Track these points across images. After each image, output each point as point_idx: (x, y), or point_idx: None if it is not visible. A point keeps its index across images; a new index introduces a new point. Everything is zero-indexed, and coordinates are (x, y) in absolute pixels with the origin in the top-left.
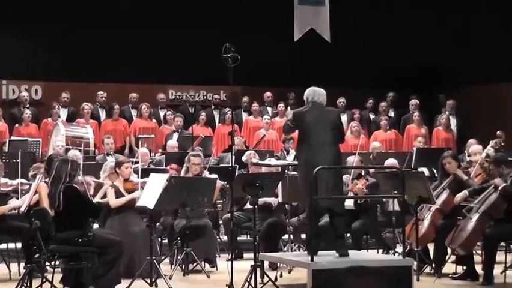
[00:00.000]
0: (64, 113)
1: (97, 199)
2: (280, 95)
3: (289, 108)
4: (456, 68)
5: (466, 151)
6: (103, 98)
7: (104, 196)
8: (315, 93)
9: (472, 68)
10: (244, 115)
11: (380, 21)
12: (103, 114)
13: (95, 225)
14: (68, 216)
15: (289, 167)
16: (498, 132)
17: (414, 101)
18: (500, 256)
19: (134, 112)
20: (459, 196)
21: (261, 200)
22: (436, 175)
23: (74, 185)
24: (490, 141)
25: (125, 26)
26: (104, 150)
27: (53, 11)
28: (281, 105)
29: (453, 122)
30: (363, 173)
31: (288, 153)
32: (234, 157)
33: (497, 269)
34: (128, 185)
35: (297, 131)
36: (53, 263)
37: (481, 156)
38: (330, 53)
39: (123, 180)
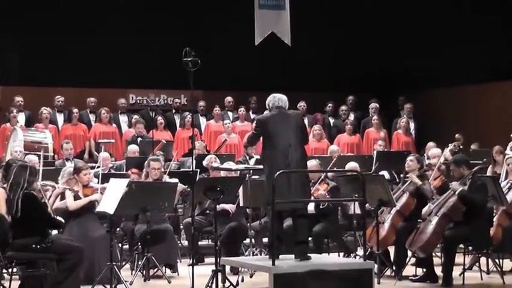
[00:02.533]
0: (21, 117)
1: (53, 202)
2: (242, 99)
3: (250, 112)
4: (415, 71)
5: (425, 154)
6: (60, 103)
7: (63, 199)
8: (276, 98)
9: (431, 71)
10: (202, 119)
11: (340, 24)
12: (60, 118)
13: (54, 231)
14: (26, 223)
15: (250, 171)
16: (457, 135)
17: (373, 105)
18: (459, 258)
19: (92, 117)
20: (424, 210)
21: (218, 207)
22: (396, 178)
23: (32, 191)
24: (449, 144)
25: (83, 28)
26: (63, 155)
27: (6, 11)
28: (242, 110)
29: (412, 125)
30: (322, 177)
31: (250, 158)
32: (194, 161)
33: (456, 271)
34: (87, 191)
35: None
36: (10, 270)
37: (439, 159)
38: (290, 57)
39: (82, 187)
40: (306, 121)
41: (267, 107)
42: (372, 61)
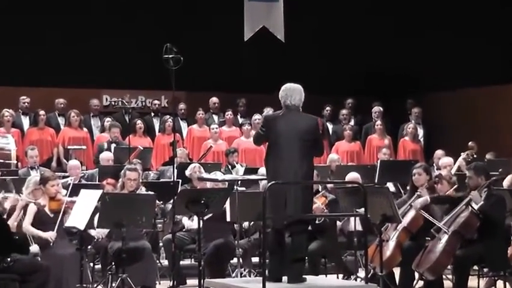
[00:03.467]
0: None
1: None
2: (229, 101)
3: (238, 116)
4: (423, 71)
5: (434, 164)
6: (26, 104)
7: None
8: (289, 93)
9: (440, 71)
10: (184, 124)
11: (339, 19)
12: (26, 122)
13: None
14: None
15: (238, 182)
16: (470, 143)
17: (377, 108)
18: (472, 281)
19: (61, 120)
20: (419, 202)
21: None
22: (402, 191)
23: None
24: (462, 153)
25: (52, 22)
26: (28, 163)
27: None
28: (229, 113)
29: (420, 131)
30: (320, 189)
31: (232, 168)
32: (176, 171)
33: None
34: (54, 204)
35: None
36: None
37: (451, 169)
38: (283, 55)
39: (49, 199)
40: None
41: (281, 99)
42: (375, 60)
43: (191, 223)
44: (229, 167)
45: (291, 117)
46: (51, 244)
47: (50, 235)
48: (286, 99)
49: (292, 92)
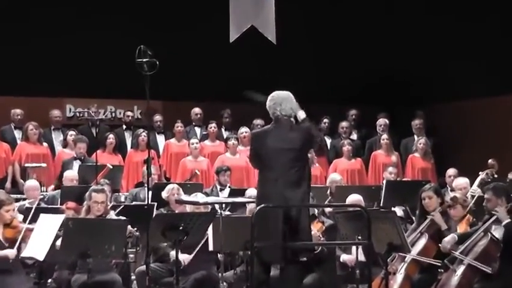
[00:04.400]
0: None
1: None
2: (212, 112)
3: (223, 128)
4: (435, 79)
5: (447, 185)
6: None
7: None
8: (278, 102)
9: (454, 78)
10: (160, 138)
11: (339, 18)
12: None
13: None
14: None
15: (223, 205)
16: (490, 160)
17: (382, 121)
18: None
19: (18, 133)
20: (447, 241)
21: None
22: (411, 216)
23: None
24: (480, 173)
25: (8, 23)
26: None
27: None
28: (213, 126)
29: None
30: (316, 213)
31: (223, 189)
32: (150, 192)
33: None
34: (9, 232)
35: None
36: None
37: (467, 192)
38: (274, 59)
39: (3, 226)
40: None
41: (269, 110)
42: (381, 65)
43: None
44: (217, 188)
45: (282, 132)
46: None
47: (8, 254)
48: (275, 109)
49: (281, 101)
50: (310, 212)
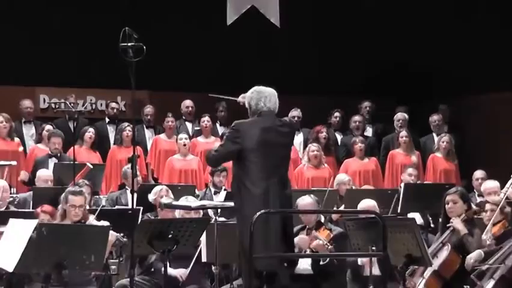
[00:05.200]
0: None
1: None
2: (206, 104)
3: (218, 124)
4: (460, 68)
5: (474, 189)
6: None
7: None
8: (261, 95)
9: (483, 67)
10: (148, 133)
11: (350, 4)
12: None
13: None
14: None
15: (218, 210)
16: None
17: (401, 115)
18: None
19: None
20: (472, 257)
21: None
22: (432, 224)
23: None
24: None
25: None
26: None
27: None
28: (206, 120)
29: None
30: (322, 220)
31: (218, 192)
32: (136, 195)
33: None
34: None
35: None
36: None
37: (499, 196)
38: (277, 45)
39: None
40: (300, 137)
41: (248, 108)
42: (398, 52)
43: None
44: (211, 190)
45: (272, 124)
46: None
47: None
48: (259, 102)
49: (264, 94)
50: (314, 219)
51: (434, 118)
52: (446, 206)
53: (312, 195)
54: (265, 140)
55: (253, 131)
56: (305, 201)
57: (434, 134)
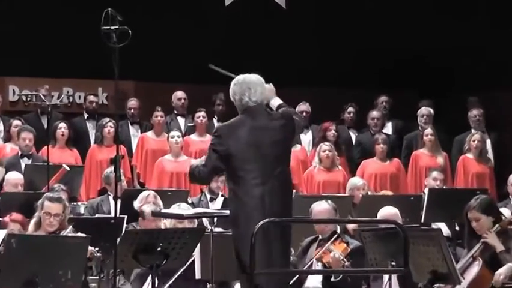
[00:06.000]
0: None
1: None
2: (201, 96)
3: (215, 119)
4: (492, 58)
5: (510, 195)
6: None
7: None
8: (244, 87)
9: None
10: (134, 130)
11: None
12: None
13: None
14: None
15: (214, 219)
16: None
17: (425, 110)
18: None
19: None
20: (502, 273)
21: None
22: (460, 235)
23: None
24: None
25: None
26: None
27: None
28: (201, 115)
29: (488, 145)
30: (338, 230)
31: (214, 198)
32: (119, 202)
33: None
34: None
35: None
36: None
37: None
38: (283, 30)
39: None
40: (309, 135)
41: (234, 103)
42: (419, 39)
43: None
44: (207, 196)
45: (259, 122)
46: None
47: None
48: (243, 96)
49: (249, 85)
50: (329, 230)
51: (474, 113)
52: (470, 223)
53: (329, 201)
54: (255, 141)
55: (239, 133)
56: (321, 208)
57: (474, 131)
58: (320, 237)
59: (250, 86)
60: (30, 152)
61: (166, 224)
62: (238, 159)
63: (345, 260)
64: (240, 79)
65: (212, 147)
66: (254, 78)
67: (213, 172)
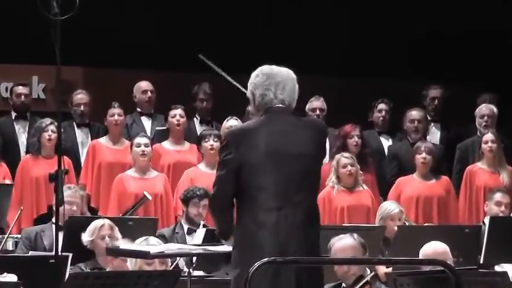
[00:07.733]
0: None
1: None
2: (176, 88)
3: (196, 119)
4: None
5: None
6: None
7: None
8: (272, 82)
9: None
10: (82, 134)
11: None
12: None
13: None
14: None
15: (193, 259)
16: None
17: (486, 109)
18: None
19: None
20: None
21: None
22: None
23: None
24: None
25: None
26: None
27: None
28: (178, 114)
29: None
30: (368, 276)
31: (193, 230)
32: (62, 233)
33: None
34: None
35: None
36: None
37: None
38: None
39: None
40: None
41: (251, 101)
42: (477, 20)
43: None
44: (185, 228)
45: (284, 127)
46: None
47: None
48: (268, 91)
49: (275, 79)
50: (356, 271)
51: None
52: None
53: (354, 235)
54: (276, 150)
55: (255, 139)
56: (343, 243)
57: None
58: (343, 284)
59: (278, 81)
60: None
61: (128, 265)
62: (251, 170)
63: None
64: (265, 71)
65: (223, 163)
66: (284, 71)
67: (227, 194)
